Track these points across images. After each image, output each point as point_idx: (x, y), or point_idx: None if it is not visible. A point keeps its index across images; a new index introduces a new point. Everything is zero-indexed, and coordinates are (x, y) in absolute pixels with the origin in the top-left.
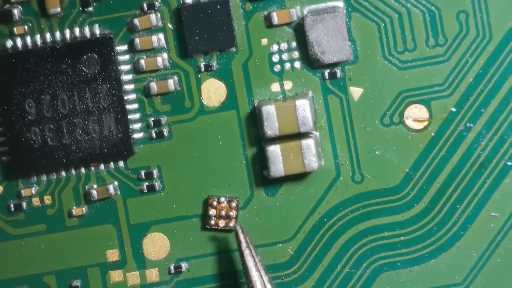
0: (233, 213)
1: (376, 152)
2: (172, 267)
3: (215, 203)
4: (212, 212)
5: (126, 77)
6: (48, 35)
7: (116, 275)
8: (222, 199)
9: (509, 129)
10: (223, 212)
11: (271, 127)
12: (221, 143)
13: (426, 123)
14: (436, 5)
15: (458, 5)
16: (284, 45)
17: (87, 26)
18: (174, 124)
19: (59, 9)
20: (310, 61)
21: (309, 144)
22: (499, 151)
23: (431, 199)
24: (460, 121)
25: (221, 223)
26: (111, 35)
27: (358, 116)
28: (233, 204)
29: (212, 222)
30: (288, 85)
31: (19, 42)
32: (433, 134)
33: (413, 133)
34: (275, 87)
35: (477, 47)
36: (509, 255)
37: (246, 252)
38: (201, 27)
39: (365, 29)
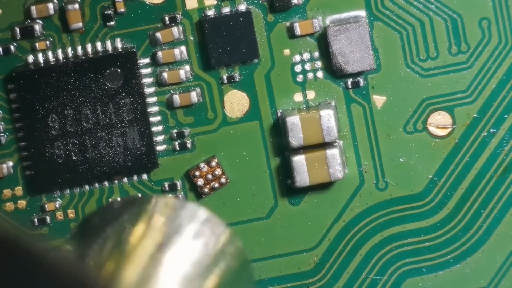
0: (218, 171)
1: (400, 159)
2: None
3: (197, 173)
4: (201, 181)
5: (148, 90)
6: (69, 50)
7: None
8: (201, 165)
9: None
10: (210, 176)
11: (296, 137)
12: (244, 153)
13: (449, 129)
14: (458, 13)
15: (480, 12)
16: (306, 55)
17: (109, 40)
18: (197, 136)
19: (80, 24)
20: (333, 71)
21: (334, 153)
22: None
23: (455, 204)
24: (483, 127)
25: (215, 185)
26: (134, 49)
27: (382, 124)
28: (213, 163)
29: (206, 190)
30: (311, 94)
31: (40, 57)
32: (456, 141)
33: (437, 140)
34: (298, 97)
35: (500, 54)
36: None
37: None
38: (223, 39)
39: (388, 37)
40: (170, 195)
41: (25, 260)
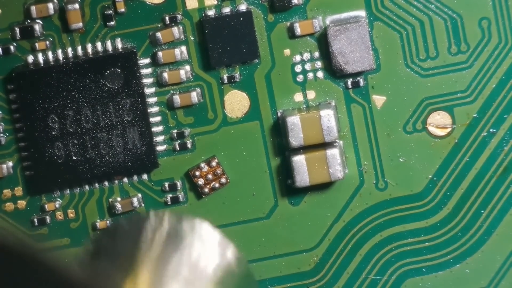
0: (218, 171)
1: (400, 159)
2: None
3: (197, 172)
4: (201, 181)
5: (149, 90)
6: (70, 50)
7: None
8: (202, 165)
9: None
10: (210, 176)
11: (296, 137)
12: (244, 153)
13: (449, 129)
14: (458, 13)
15: (480, 12)
16: (306, 55)
17: (109, 40)
18: (197, 136)
19: (80, 24)
20: (333, 71)
21: (334, 153)
22: None
23: (455, 204)
24: (483, 127)
25: (216, 185)
26: (134, 49)
27: (381, 124)
28: (213, 164)
29: (206, 190)
30: (311, 94)
31: (40, 57)
32: (456, 140)
33: (437, 140)
34: (298, 97)
35: (500, 54)
36: None
37: None
38: (223, 39)
39: (387, 37)
40: (170, 195)
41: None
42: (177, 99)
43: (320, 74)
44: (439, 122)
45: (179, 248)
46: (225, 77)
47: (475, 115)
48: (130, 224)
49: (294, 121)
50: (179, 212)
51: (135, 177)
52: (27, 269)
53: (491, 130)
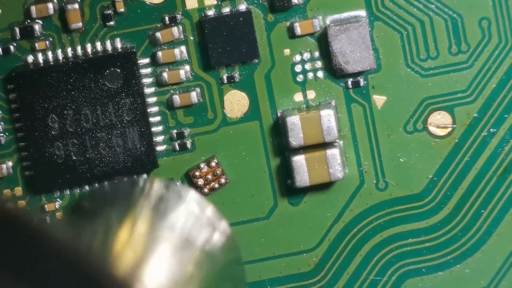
0: (218, 171)
1: (400, 159)
2: None
3: (197, 173)
4: (201, 181)
5: (148, 90)
6: (69, 50)
7: None
8: (201, 165)
9: None
10: (209, 176)
11: (296, 137)
12: (244, 153)
13: (449, 129)
14: (458, 13)
15: (480, 12)
16: (306, 55)
17: (109, 40)
18: (197, 136)
19: (80, 24)
20: (333, 71)
21: (334, 153)
22: None
23: (455, 204)
24: (483, 127)
25: (215, 185)
26: (134, 49)
27: (382, 124)
28: (213, 164)
29: (206, 190)
30: (311, 94)
31: (40, 57)
32: (456, 140)
33: (437, 140)
34: (298, 97)
35: (500, 53)
36: None
37: None
38: (223, 39)
39: (388, 37)
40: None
41: (25, 235)
42: (176, 99)
43: (320, 74)
44: (439, 122)
45: (166, 214)
46: (224, 77)
47: (475, 115)
48: (115, 188)
49: (294, 121)
50: (169, 181)
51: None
52: (11, 230)
53: (491, 130)
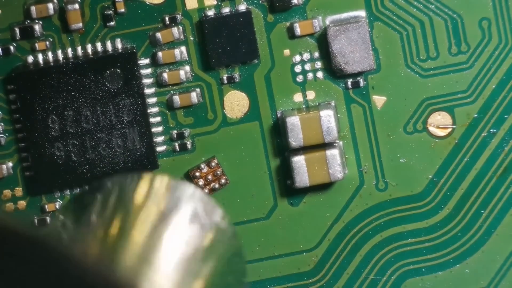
0: (218, 172)
1: (400, 159)
2: None
3: (197, 173)
4: (201, 182)
5: (148, 91)
6: (69, 50)
7: None
8: (201, 165)
9: None
10: (210, 177)
11: (296, 138)
12: (244, 154)
13: (449, 130)
14: (458, 13)
15: (480, 12)
16: (306, 56)
17: (109, 41)
18: (197, 137)
19: (80, 24)
20: (333, 71)
21: (334, 154)
22: None
23: (455, 205)
24: (483, 127)
25: (215, 186)
26: (134, 50)
27: (382, 124)
28: (213, 164)
29: (206, 191)
30: (311, 95)
31: (40, 57)
32: (456, 141)
33: (437, 140)
34: (298, 97)
35: (500, 54)
36: None
37: None
38: (223, 39)
39: (388, 38)
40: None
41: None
42: (177, 99)
43: (320, 74)
44: (439, 123)
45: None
46: (224, 78)
47: (475, 115)
48: (114, 184)
49: (293, 121)
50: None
51: None
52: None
53: (491, 130)
